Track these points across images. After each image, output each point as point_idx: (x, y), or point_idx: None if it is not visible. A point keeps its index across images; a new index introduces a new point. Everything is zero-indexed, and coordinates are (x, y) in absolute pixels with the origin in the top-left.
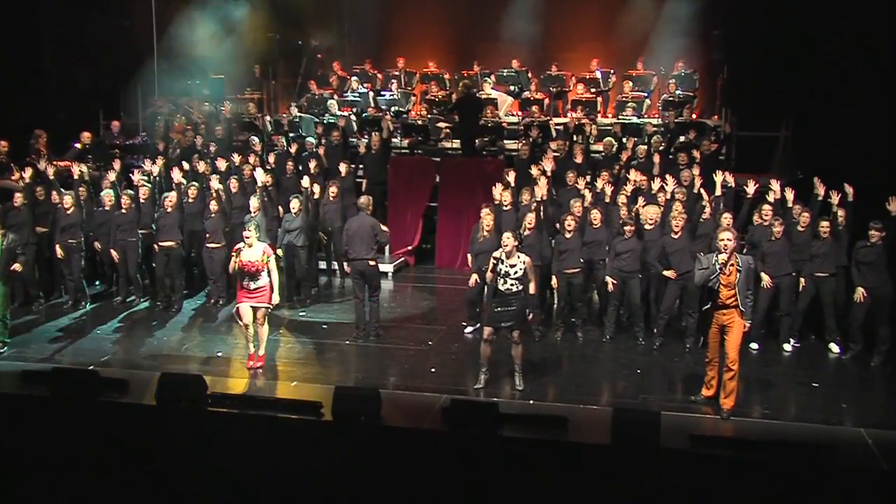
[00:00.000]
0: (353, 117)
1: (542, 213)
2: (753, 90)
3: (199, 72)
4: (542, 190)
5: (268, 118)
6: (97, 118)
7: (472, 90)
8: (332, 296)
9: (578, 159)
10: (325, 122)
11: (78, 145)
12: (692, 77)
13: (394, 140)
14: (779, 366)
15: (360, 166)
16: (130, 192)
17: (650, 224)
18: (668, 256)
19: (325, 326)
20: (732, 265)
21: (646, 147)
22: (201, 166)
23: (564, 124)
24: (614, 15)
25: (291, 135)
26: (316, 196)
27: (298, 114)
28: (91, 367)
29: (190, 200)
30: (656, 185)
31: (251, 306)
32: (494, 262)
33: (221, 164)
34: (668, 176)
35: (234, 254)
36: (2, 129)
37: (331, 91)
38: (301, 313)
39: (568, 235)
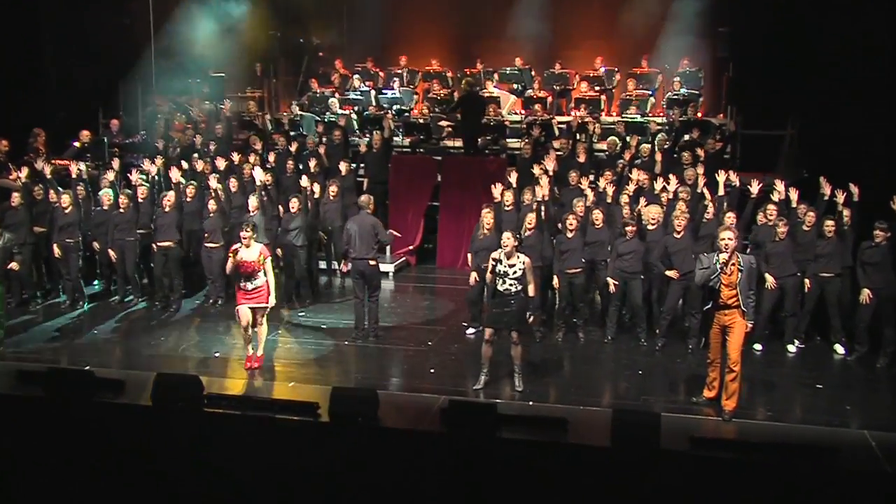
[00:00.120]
0: (354, 116)
1: (542, 213)
2: (759, 88)
3: (199, 70)
4: (543, 189)
5: (268, 117)
6: (96, 117)
7: (475, 88)
8: (331, 296)
9: (581, 158)
10: (325, 120)
11: (77, 144)
12: (697, 75)
13: (395, 139)
14: (783, 367)
15: (361, 165)
16: (129, 191)
17: (652, 224)
18: (671, 256)
19: (324, 327)
20: (734, 265)
21: (649, 146)
22: (199, 165)
23: (567, 123)
24: (619, 12)
25: (292, 133)
26: (316, 195)
27: (299, 112)
28: (87, 368)
29: (188, 200)
30: (659, 184)
31: (249, 308)
32: (494, 262)
33: (221, 163)
34: (671, 175)
35: (230, 254)
36: (1, 128)
37: (332, 89)
38: (300, 313)
39: (569, 235)
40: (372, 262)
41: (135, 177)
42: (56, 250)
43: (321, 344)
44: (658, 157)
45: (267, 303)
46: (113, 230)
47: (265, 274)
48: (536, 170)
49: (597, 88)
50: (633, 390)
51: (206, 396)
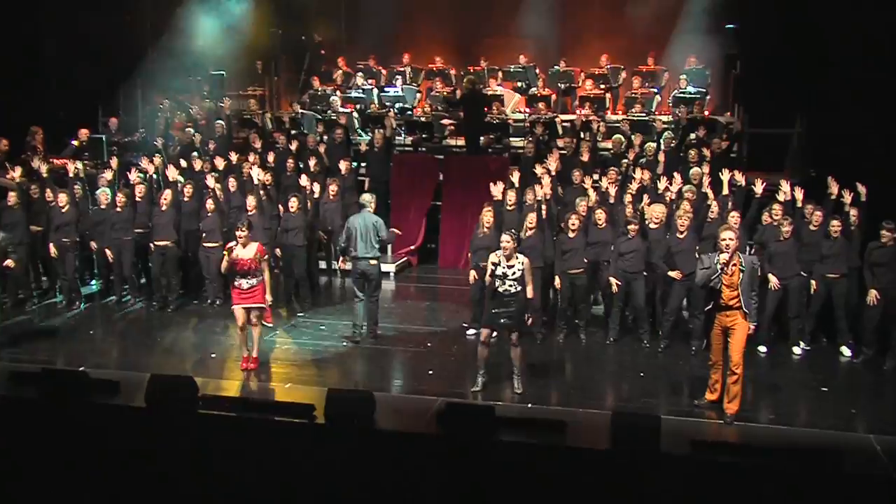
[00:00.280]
0: (355, 114)
1: (543, 213)
2: (767, 86)
3: (199, 68)
4: (544, 189)
5: (268, 115)
6: (96, 115)
7: (477, 86)
8: (331, 296)
9: (585, 157)
10: (326, 118)
11: (75, 143)
12: (704, 73)
13: (397, 137)
14: (787, 369)
15: (363, 164)
16: (126, 190)
17: (655, 223)
18: (674, 257)
19: (322, 327)
20: (735, 265)
21: (655, 144)
22: (198, 164)
23: (572, 121)
24: (625, 9)
25: (293, 132)
26: (315, 195)
27: (300, 110)
28: (82, 369)
29: (186, 199)
30: (662, 183)
31: (244, 308)
32: (493, 265)
33: (220, 162)
34: (675, 174)
35: (225, 252)
36: (1, 127)
37: (334, 87)
38: (299, 314)
39: (571, 235)
40: (373, 262)
41: (133, 175)
42: (52, 250)
43: (320, 345)
44: (661, 156)
45: (262, 302)
46: (110, 229)
47: (262, 273)
48: (539, 169)
49: (602, 86)
50: (635, 392)
51: (200, 398)
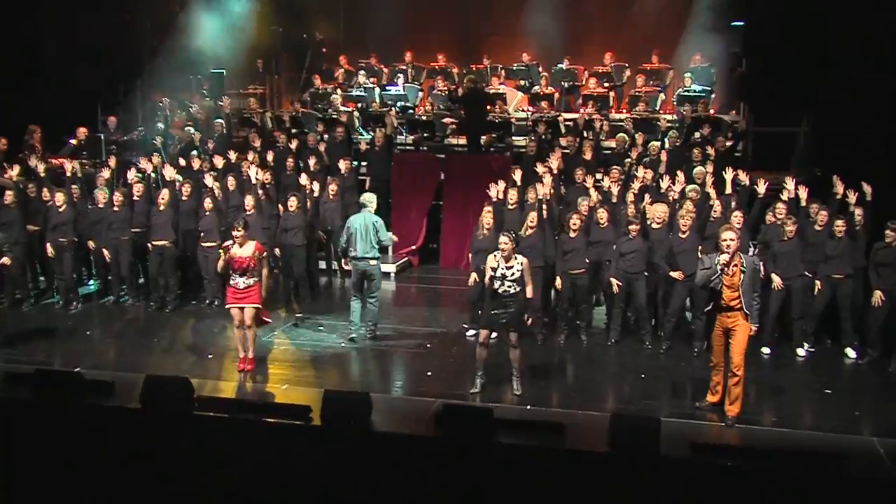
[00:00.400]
0: (356, 113)
1: (544, 212)
2: (772, 84)
3: (199, 66)
4: (545, 188)
5: (268, 114)
6: (95, 113)
7: (479, 84)
8: (331, 296)
9: (588, 156)
10: (326, 117)
11: (73, 141)
12: (709, 71)
13: (399, 136)
14: (791, 371)
15: (363, 164)
16: (123, 189)
17: (658, 223)
18: (675, 257)
19: (321, 328)
20: (736, 266)
21: (659, 143)
22: (196, 163)
23: (574, 120)
24: (630, 6)
25: (293, 131)
26: (315, 194)
27: (301, 109)
28: (77, 369)
29: (185, 198)
30: (665, 182)
31: (239, 307)
32: (492, 266)
33: (219, 161)
34: (679, 172)
35: (221, 251)
36: (1, 126)
37: (335, 85)
38: (298, 314)
39: (573, 235)
40: (373, 262)
41: (131, 175)
42: (49, 249)
43: (318, 346)
44: (664, 155)
45: (257, 303)
46: (107, 229)
47: (259, 273)
48: (540, 168)
49: (606, 85)
50: (636, 394)
51: (196, 399)
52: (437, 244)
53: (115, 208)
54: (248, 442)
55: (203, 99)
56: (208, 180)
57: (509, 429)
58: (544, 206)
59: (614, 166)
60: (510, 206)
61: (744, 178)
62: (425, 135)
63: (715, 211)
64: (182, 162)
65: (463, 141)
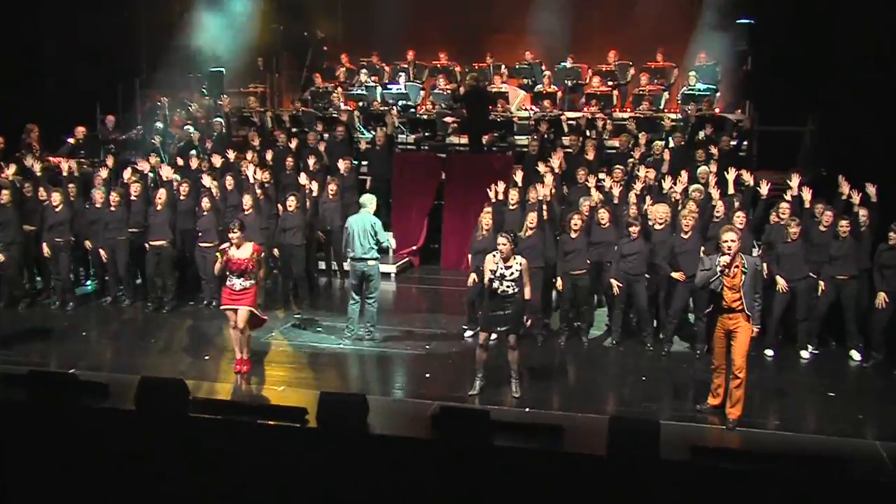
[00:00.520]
0: (357, 112)
1: (544, 213)
2: (779, 83)
3: (199, 64)
4: (546, 188)
5: (269, 113)
6: (94, 112)
7: (481, 83)
8: (331, 297)
9: (590, 156)
10: (327, 116)
11: (71, 141)
12: (714, 69)
13: (400, 136)
14: (794, 374)
15: (364, 163)
16: (120, 189)
17: (660, 224)
18: (677, 257)
19: (320, 329)
20: (737, 266)
21: (662, 143)
22: (194, 162)
23: (577, 119)
24: (634, 4)
25: (293, 130)
26: (314, 194)
27: (301, 108)
28: (72, 371)
29: (183, 198)
30: (667, 183)
31: (233, 309)
32: (492, 266)
33: (217, 161)
34: (683, 172)
35: (218, 253)
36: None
37: (335, 84)
38: (297, 315)
39: (574, 235)
40: (371, 263)
41: (126, 174)
42: (45, 249)
43: (316, 347)
44: (666, 155)
45: (252, 305)
46: (103, 229)
47: (257, 275)
48: (542, 168)
49: (609, 83)
50: (636, 397)
51: (191, 401)
52: (439, 244)
53: (112, 208)
54: (244, 444)
55: (202, 98)
56: (206, 180)
57: (506, 431)
58: (544, 207)
59: (617, 166)
60: (511, 207)
61: (748, 178)
62: (426, 134)
63: (718, 211)
64: (180, 161)
65: (464, 140)
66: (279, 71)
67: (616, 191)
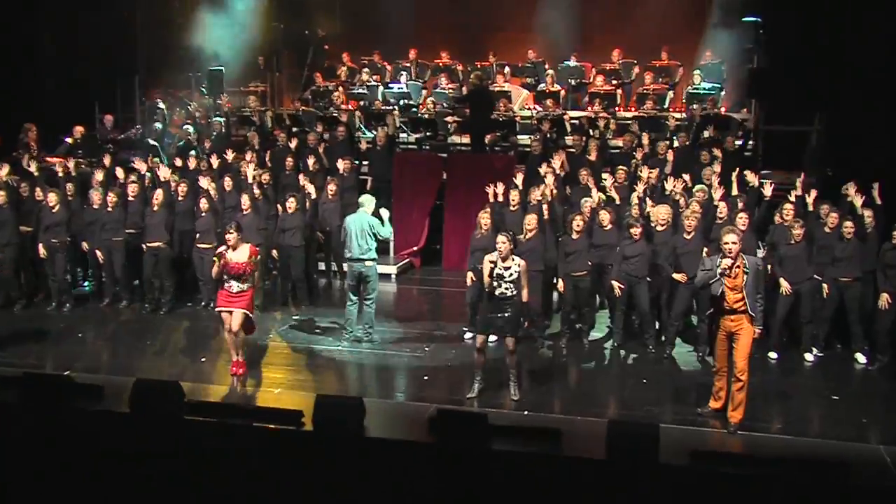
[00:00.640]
0: (357, 112)
1: (545, 214)
2: (785, 82)
3: (198, 64)
4: (547, 189)
5: (269, 113)
6: (93, 112)
7: (484, 82)
8: (330, 298)
9: (593, 156)
10: (327, 115)
11: (69, 140)
12: (720, 68)
13: (401, 135)
14: (798, 377)
15: (364, 163)
16: (117, 189)
17: (662, 225)
18: (679, 258)
19: (318, 331)
20: (738, 267)
21: (667, 143)
22: (192, 162)
23: (580, 119)
24: (638, 2)
25: (294, 129)
26: (313, 195)
27: (302, 107)
28: (67, 373)
29: (181, 198)
30: (670, 183)
31: (228, 311)
32: (490, 266)
33: (214, 161)
34: (685, 174)
35: (215, 257)
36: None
37: (336, 83)
38: (295, 316)
39: (575, 237)
40: (369, 263)
41: (121, 174)
42: (41, 250)
43: (315, 349)
44: (669, 155)
45: (247, 308)
46: (100, 230)
47: (253, 278)
48: (543, 168)
49: (613, 82)
50: (637, 400)
51: (186, 403)
52: (440, 245)
53: (109, 209)
54: (239, 447)
55: (202, 97)
56: (203, 182)
57: (504, 435)
58: (545, 208)
59: (620, 167)
60: (512, 208)
61: (753, 178)
62: (428, 134)
63: (721, 212)
64: (179, 162)
65: (466, 140)
66: (279, 70)
67: (615, 193)
